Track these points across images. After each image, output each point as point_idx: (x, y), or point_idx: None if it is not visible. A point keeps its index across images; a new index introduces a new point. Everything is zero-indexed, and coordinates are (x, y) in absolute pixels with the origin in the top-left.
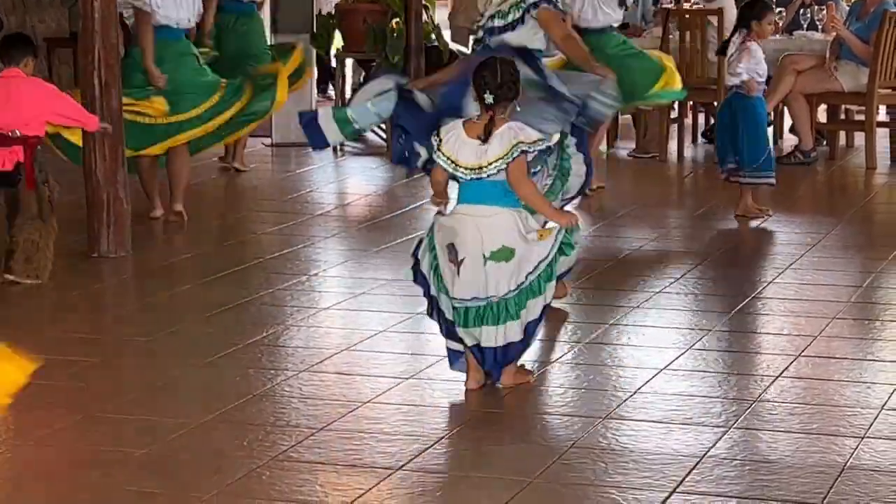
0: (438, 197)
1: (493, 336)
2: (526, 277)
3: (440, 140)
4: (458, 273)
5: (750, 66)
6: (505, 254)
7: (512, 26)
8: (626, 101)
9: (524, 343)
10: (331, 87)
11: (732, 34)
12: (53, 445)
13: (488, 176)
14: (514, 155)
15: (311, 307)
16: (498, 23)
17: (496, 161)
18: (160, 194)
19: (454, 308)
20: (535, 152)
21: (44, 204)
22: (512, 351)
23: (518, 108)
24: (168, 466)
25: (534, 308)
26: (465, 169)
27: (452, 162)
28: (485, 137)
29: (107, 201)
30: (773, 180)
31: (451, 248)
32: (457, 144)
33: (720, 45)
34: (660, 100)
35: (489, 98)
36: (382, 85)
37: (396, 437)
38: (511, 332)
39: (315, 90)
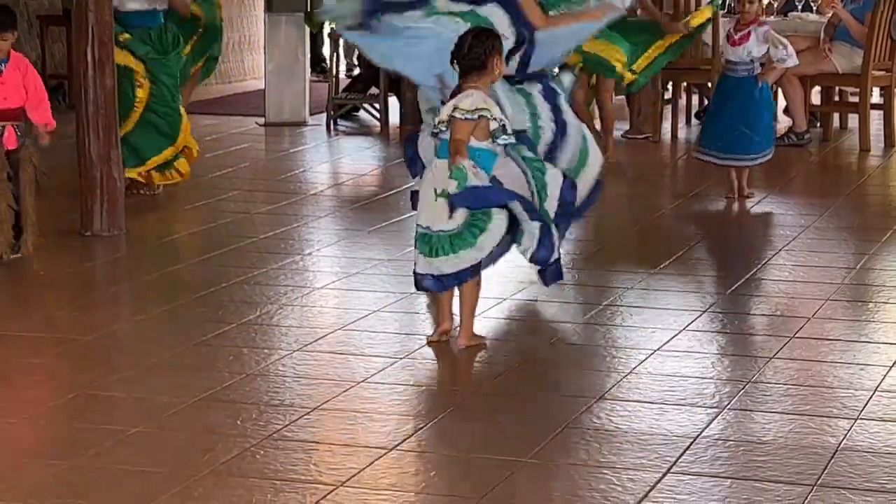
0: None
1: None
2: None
3: None
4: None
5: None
6: (444, 192)
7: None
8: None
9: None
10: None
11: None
12: (45, 423)
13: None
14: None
15: (305, 287)
16: None
17: (441, 123)
18: None
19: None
20: (478, 119)
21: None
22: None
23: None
24: (161, 445)
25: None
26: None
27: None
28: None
29: (100, 179)
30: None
31: None
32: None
33: (715, 28)
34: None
35: (457, 67)
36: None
37: (390, 416)
38: (443, 265)
39: (309, 69)
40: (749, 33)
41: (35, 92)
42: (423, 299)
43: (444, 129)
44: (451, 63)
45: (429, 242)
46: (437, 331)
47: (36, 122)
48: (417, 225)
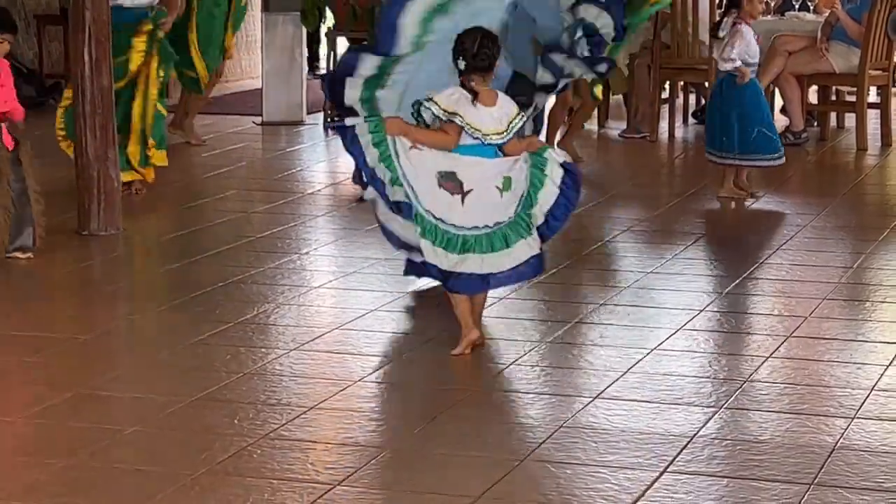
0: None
1: (502, 260)
2: (514, 211)
3: (449, 111)
4: (463, 202)
5: (741, 49)
6: (507, 182)
7: None
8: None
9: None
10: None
11: (724, 15)
12: (42, 423)
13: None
14: (519, 125)
15: (302, 286)
16: None
17: (507, 130)
18: None
19: (455, 236)
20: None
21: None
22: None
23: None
24: (158, 444)
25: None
26: (495, 135)
27: (478, 130)
28: (472, 97)
29: (97, 179)
30: (774, 162)
31: (453, 177)
32: (477, 114)
33: (711, 25)
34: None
35: (461, 64)
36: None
37: (387, 415)
38: (512, 257)
39: (305, 69)
40: (728, 34)
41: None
42: (419, 299)
43: (506, 139)
44: (455, 60)
45: (489, 239)
46: (466, 342)
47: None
48: (461, 227)
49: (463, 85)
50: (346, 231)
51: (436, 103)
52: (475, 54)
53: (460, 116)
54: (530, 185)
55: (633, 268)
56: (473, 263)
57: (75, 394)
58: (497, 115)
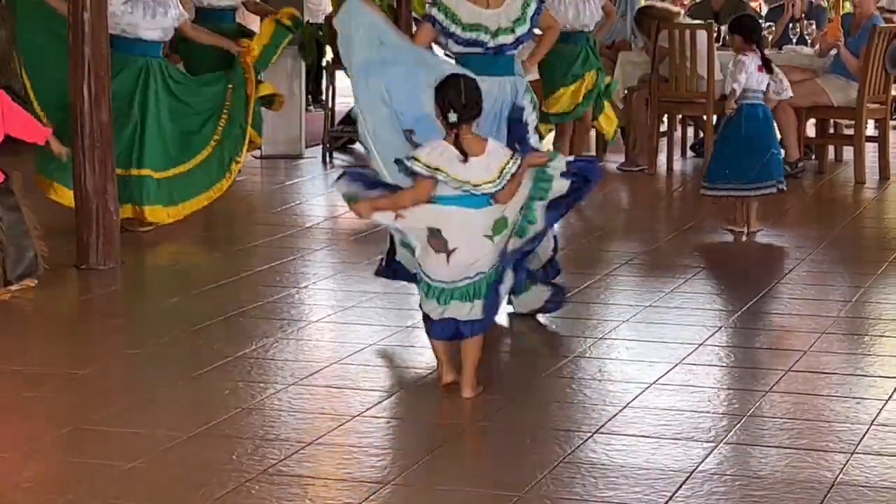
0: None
1: (475, 309)
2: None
3: (432, 166)
4: (448, 261)
5: (744, 77)
6: (500, 225)
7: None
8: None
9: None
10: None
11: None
12: (41, 458)
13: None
14: (513, 169)
15: (301, 320)
16: (505, 39)
17: (499, 177)
18: None
19: (431, 287)
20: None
21: None
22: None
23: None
24: (156, 480)
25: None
26: (486, 184)
27: (466, 182)
28: (463, 157)
29: (96, 212)
30: (781, 185)
31: (439, 234)
32: (464, 168)
33: (710, 60)
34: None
35: (453, 117)
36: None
37: (386, 450)
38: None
39: (303, 102)
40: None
41: (17, 118)
42: (417, 332)
43: (499, 187)
44: (445, 115)
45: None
46: (446, 382)
47: (34, 141)
48: (439, 281)
49: (457, 137)
50: (345, 265)
51: (417, 160)
52: (465, 105)
53: (444, 172)
54: (529, 199)
55: (632, 301)
56: (453, 309)
57: (73, 429)
58: (486, 163)
